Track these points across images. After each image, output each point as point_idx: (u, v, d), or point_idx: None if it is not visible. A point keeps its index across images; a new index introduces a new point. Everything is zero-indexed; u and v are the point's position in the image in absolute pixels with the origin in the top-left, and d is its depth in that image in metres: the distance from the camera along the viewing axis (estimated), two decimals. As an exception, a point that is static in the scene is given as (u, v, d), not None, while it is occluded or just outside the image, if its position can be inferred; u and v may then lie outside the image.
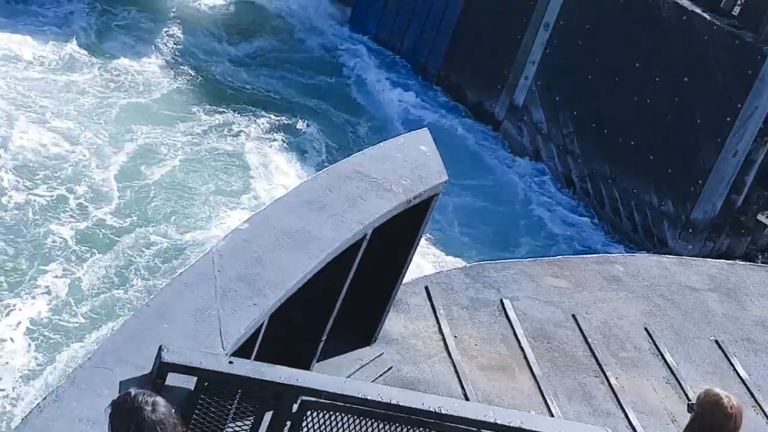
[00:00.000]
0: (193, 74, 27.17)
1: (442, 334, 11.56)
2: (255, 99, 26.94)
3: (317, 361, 9.66)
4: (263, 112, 26.19)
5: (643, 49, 24.68)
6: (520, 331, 12.00)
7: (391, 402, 6.95)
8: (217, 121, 25.26)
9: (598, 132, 25.63)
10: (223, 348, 7.10)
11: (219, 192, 22.32)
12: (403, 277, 10.67)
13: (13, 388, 15.94)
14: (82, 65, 25.86)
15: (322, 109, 27.41)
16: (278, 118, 26.14)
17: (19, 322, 17.10)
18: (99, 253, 19.26)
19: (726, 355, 12.77)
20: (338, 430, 6.93)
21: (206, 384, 6.58)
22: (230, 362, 6.67)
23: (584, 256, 16.63)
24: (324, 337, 9.48)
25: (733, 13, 24.18)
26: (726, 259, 19.54)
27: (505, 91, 27.84)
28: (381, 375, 10.59)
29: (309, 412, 6.83)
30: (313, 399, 6.79)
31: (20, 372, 16.22)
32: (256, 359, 7.76)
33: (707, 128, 23.51)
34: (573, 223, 25.23)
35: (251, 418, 6.85)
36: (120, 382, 6.41)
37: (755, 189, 23.76)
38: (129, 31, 28.37)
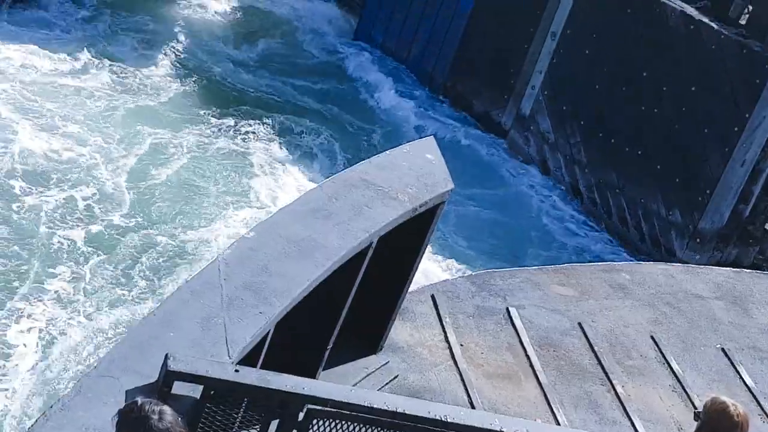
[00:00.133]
0: (199, 78, 27.32)
1: (448, 343, 11.56)
2: (260, 103, 27.09)
3: (323, 370, 9.66)
4: (268, 116, 26.33)
5: (651, 59, 24.66)
6: (526, 339, 12.00)
7: (397, 410, 6.95)
8: (223, 124, 25.40)
9: (605, 141, 25.61)
10: (229, 356, 7.10)
11: (228, 193, 22.47)
12: (409, 285, 10.67)
13: (20, 396, 15.96)
14: (90, 70, 26.01)
15: (328, 117, 27.45)
16: (282, 123, 26.28)
17: (29, 328, 17.14)
18: (107, 255, 19.34)
19: (732, 363, 12.76)
20: (344, 438, 6.95)
21: (212, 392, 6.59)
22: (236, 371, 6.68)
23: (590, 264, 16.61)
24: (330, 346, 9.48)
25: (740, 22, 24.13)
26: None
27: (512, 101, 27.84)
28: (387, 383, 10.59)
29: (315, 421, 6.83)
30: (319, 407, 6.79)
31: (27, 380, 16.24)
32: (262, 367, 7.76)
33: (715, 138, 23.48)
34: (580, 233, 25.20)
35: (257, 426, 6.85)
36: (126, 391, 6.42)
37: (763, 199, 23.71)
38: (137, 36, 28.52)
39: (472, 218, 24.54)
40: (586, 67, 25.98)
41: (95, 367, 6.70)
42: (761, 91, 22.75)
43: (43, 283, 18.17)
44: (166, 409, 4.89)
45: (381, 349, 10.92)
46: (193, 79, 27.24)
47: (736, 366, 12.72)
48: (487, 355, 11.61)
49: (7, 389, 15.98)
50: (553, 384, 11.45)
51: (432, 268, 21.14)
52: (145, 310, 17.73)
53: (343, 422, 6.90)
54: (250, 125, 25.74)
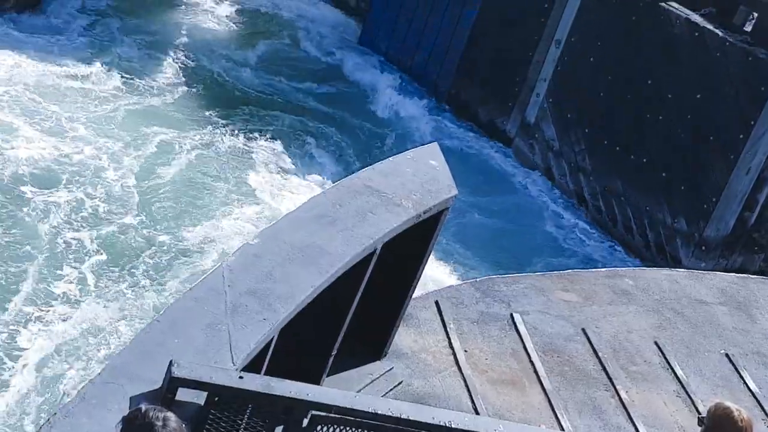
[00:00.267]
0: (204, 81, 27.48)
1: (452, 349, 11.57)
2: (263, 106, 27.27)
3: (327, 376, 9.67)
4: (271, 119, 26.51)
5: (655, 66, 24.67)
6: (530, 345, 12.01)
7: (402, 416, 6.95)
8: (227, 126, 25.58)
9: (609, 149, 25.61)
10: (233, 363, 7.11)
11: (234, 193, 22.63)
12: (413, 291, 10.68)
13: (24, 399, 15.98)
14: (96, 73, 26.16)
15: (331, 122, 27.51)
16: (285, 126, 26.49)
17: (35, 330, 17.18)
18: (113, 257, 19.43)
19: (736, 369, 12.76)
20: (348, 444, 6.95)
21: (216, 399, 6.58)
22: (240, 377, 6.68)
23: (594, 270, 16.62)
24: (334, 352, 9.48)
25: (745, 29, 24.14)
26: (739, 276, 19.50)
27: (517, 109, 27.84)
28: (391, 389, 10.59)
29: (319, 427, 6.84)
30: (324, 413, 6.80)
31: (31, 383, 16.26)
32: (266, 374, 7.77)
33: (720, 145, 23.47)
34: (585, 241, 25.20)
35: (261, 432, 6.87)
36: (130, 398, 6.42)
37: (768, 206, 23.73)
38: (142, 40, 28.64)
39: (477, 225, 24.55)
40: (590, 75, 25.98)
41: (99, 373, 6.70)
42: (766, 99, 22.73)
43: (50, 285, 18.23)
44: (171, 415, 4.88)
45: (385, 355, 10.92)
46: (199, 82, 27.36)
47: (740, 371, 12.71)
48: (491, 361, 11.62)
49: (12, 392, 16.02)
50: (558, 390, 11.45)
51: (436, 275, 21.16)
52: (151, 312, 17.79)
53: (348, 428, 6.90)
54: (254, 127, 25.92)
